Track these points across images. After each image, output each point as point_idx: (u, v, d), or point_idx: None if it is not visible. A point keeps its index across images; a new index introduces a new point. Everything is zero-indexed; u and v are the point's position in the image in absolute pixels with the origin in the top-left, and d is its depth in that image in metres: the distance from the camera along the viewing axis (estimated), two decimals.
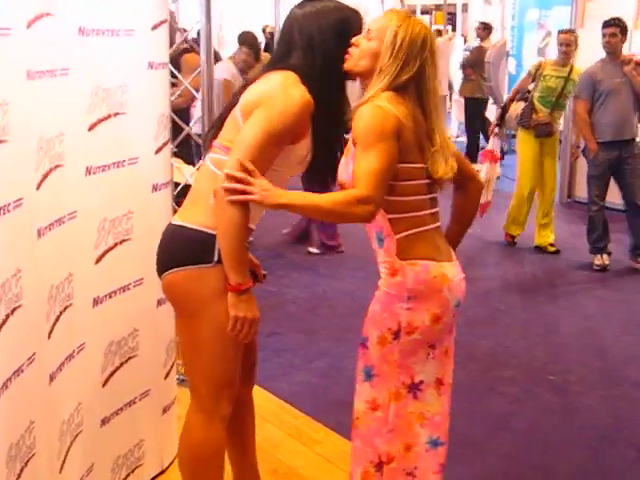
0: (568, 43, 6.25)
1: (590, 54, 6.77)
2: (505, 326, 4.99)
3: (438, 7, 13.55)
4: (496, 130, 6.54)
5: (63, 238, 2.35)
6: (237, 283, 2.18)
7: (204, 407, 2.35)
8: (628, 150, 5.95)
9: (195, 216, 2.25)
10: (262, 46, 9.27)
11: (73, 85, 2.34)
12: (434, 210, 2.32)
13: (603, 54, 6.05)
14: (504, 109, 6.54)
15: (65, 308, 2.40)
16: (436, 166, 2.22)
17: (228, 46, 10.46)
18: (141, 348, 2.85)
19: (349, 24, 2.28)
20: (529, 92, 6.40)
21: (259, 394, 3.82)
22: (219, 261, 2.20)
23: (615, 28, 5.85)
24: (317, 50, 2.24)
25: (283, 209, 2.15)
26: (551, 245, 6.55)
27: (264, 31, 11.24)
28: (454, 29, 14.22)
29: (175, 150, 3.84)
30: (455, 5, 11.97)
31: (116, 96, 2.56)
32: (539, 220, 6.61)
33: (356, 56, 2.23)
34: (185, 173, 3.67)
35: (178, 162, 4.07)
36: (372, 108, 2.14)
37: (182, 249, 2.25)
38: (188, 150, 6.14)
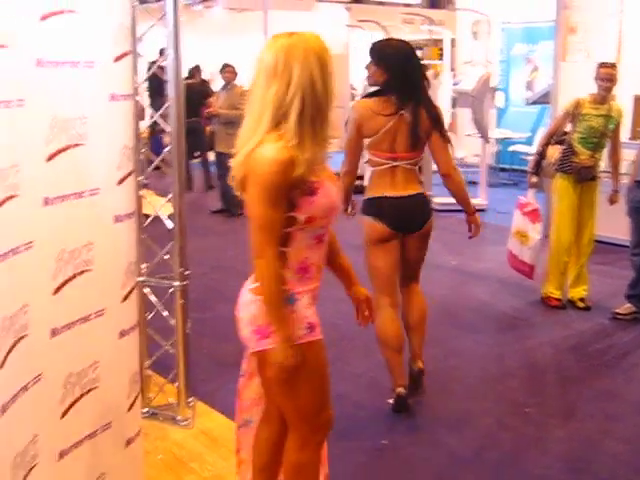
0: (610, 78, 5.53)
1: (572, 87, 6.79)
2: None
3: (437, 42, 13.56)
4: (534, 180, 5.89)
5: (18, 268, 2.34)
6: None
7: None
8: None
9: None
10: None
11: (29, 116, 2.35)
12: None
13: (587, 88, 5.72)
14: (540, 155, 5.84)
15: (20, 339, 2.38)
16: None
17: None
18: (102, 380, 2.82)
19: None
20: (566, 134, 5.78)
21: (219, 421, 3.83)
22: None
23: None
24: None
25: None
26: (581, 300, 5.94)
27: None
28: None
29: (146, 182, 3.86)
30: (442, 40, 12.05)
31: (75, 127, 2.58)
32: (572, 273, 5.95)
33: None
34: (155, 205, 3.66)
35: (149, 194, 4.07)
36: None
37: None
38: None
